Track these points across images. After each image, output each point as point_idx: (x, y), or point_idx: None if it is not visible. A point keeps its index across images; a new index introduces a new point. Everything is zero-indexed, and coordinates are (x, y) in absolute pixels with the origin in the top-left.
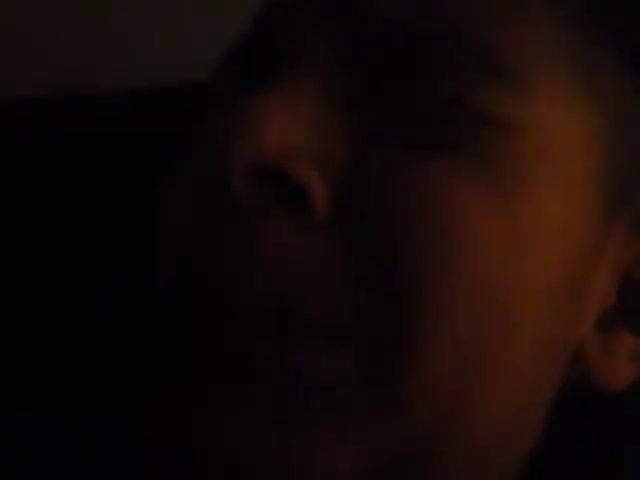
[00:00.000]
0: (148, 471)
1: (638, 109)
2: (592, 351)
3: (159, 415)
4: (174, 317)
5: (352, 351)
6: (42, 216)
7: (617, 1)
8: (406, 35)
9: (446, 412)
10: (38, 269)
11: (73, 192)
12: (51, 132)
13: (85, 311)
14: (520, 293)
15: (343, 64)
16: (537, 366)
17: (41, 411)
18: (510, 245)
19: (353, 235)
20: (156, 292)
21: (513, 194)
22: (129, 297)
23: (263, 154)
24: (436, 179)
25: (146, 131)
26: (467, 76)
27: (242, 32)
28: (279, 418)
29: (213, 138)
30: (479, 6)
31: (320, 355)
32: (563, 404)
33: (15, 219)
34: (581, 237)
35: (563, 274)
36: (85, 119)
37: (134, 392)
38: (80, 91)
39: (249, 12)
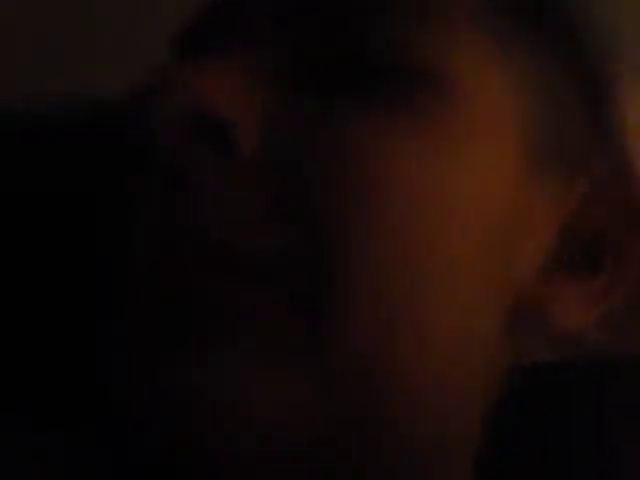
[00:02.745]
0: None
1: (553, 66)
2: (540, 294)
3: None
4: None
5: (275, 287)
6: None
7: None
8: None
9: (372, 348)
10: None
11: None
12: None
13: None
14: (445, 233)
15: (272, 26)
16: (473, 305)
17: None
18: (430, 190)
19: (282, 174)
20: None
21: (437, 145)
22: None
23: (190, 101)
24: (358, 131)
25: None
26: (393, 27)
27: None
28: (211, 354)
29: (149, 103)
30: None
31: (242, 290)
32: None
33: None
34: (507, 181)
35: (487, 221)
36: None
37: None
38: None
39: None
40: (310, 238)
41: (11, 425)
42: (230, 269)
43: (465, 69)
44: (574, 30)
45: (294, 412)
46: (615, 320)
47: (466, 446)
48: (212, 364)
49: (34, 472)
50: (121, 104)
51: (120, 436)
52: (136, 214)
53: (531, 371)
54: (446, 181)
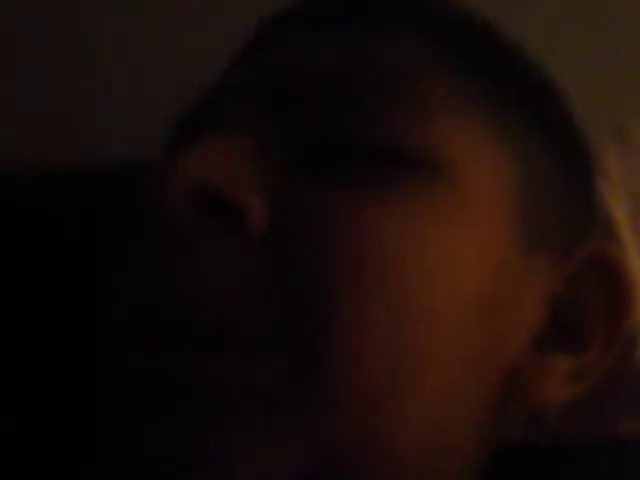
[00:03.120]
0: None
1: (542, 148)
2: (527, 372)
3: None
4: (119, 344)
5: (269, 357)
6: None
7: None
8: (319, 81)
9: (364, 416)
10: None
11: None
12: None
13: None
14: (438, 309)
15: (270, 119)
16: (460, 381)
17: None
18: (420, 268)
19: (280, 252)
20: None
21: (431, 228)
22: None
23: (196, 175)
24: (357, 215)
25: None
26: (389, 119)
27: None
28: (197, 431)
29: (152, 176)
30: (385, 59)
31: (241, 362)
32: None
33: None
34: (497, 265)
35: (479, 298)
36: None
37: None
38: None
39: (249, 13)
40: (304, 313)
41: None
42: (223, 340)
43: (458, 153)
44: (560, 104)
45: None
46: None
47: None
48: (197, 442)
49: None
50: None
51: None
52: (117, 278)
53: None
54: (440, 263)
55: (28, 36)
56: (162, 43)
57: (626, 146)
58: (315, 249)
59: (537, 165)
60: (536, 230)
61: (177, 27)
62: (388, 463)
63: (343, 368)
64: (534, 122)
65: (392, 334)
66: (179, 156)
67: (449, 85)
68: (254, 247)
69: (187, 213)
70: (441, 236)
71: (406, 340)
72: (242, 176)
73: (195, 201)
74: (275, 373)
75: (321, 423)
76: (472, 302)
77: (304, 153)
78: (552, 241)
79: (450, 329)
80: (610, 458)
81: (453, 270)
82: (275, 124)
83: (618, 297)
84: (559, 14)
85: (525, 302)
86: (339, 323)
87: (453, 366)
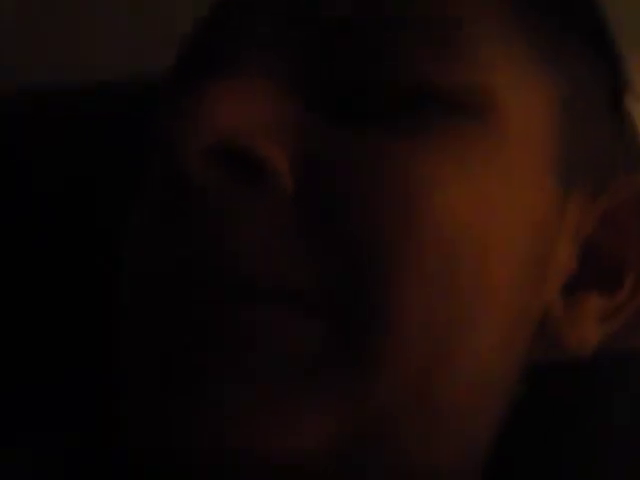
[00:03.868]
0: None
1: (586, 81)
2: (559, 316)
3: (130, 412)
4: (153, 304)
5: (319, 318)
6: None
7: None
8: (355, 17)
9: (416, 380)
10: None
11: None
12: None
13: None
14: (487, 261)
15: (295, 52)
16: (508, 332)
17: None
18: (476, 217)
19: (320, 206)
20: (129, 285)
21: (475, 169)
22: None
23: (218, 132)
24: (402, 156)
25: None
26: (421, 58)
27: (193, 28)
28: (249, 386)
29: (168, 127)
30: None
31: (288, 322)
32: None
33: None
34: (544, 208)
35: (528, 244)
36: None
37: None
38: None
39: None
40: (354, 269)
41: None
42: (274, 300)
43: (498, 84)
44: (603, 36)
45: (313, 448)
46: None
47: (480, 458)
48: (227, 399)
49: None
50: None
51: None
52: (136, 222)
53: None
54: (486, 203)
55: None
56: None
57: None
58: (360, 200)
59: (581, 96)
60: (576, 165)
61: None
62: (433, 426)
63: (400, 329)
64: (579, 49)
65: (446, 297)
66: (192, 102)
67: (498, 16)
68: (285, 201)
69: (209, 174)
70: (491, 183)
71: (459, 302)
72: (265, 128)
73: (217, 158)
74: (320, 333)
75: (367, 389)
76: (522, 251)
77: (336, 97)
78: (589, 175)
79: (501, 287)
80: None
81: (505, 220)
82: (299, 61)
83: None
84: None
85: (562, 241)
86: (396, 282)
87: (502, 324)
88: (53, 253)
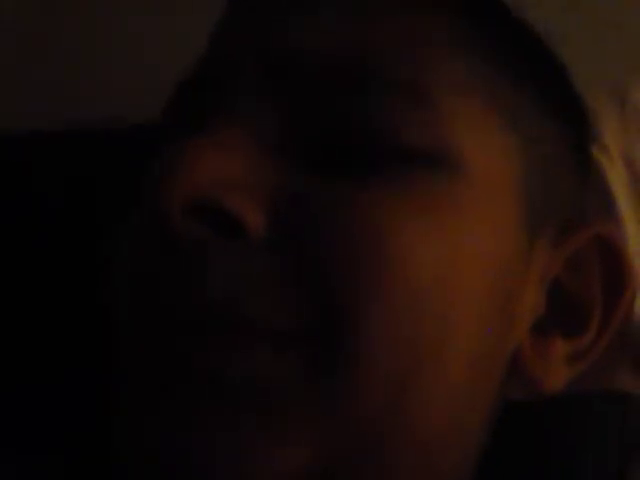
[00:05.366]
0: None
1: (548, 131)
2: (527, 357)
3: (116, 425)
4: (131, 340)
5: (289, 352)
6: None
7: (522, 37)
8: (326, 68)
9: (381, 412)
10: None
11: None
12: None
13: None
14: (450, 306)
15: (271, 106)
16: (472, 371)
17: None
18: (441, 265)
19: (291, 252)
20: (113, 321)
21: (443, 221)
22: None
23: (197, 190)
24: (368, 205)
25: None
26: (391, 113)
27: (180, 79)
28: (218, 419)
29: (153, 182)
30: (397, 39)
31: (259, 356)
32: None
33: None
34: (508, 253)
35: (491, 289)
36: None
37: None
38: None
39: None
40: (325, 311)
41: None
42: (239, 334)
43: (466, 143)
44: (564, 78)
45: (292, 474)
46: None
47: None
48: (212, 427)
49: None
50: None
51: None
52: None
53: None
54: (451, 251)
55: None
56: None
57: (623, 107)
58: (331, 247)
59: (542, 145)
60: (540, 213)
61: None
62: (401, 459)
63: (368, 363)
64: (540, 101)
65: (415, 330)
66: (176, 159)
67: (459, 69)
68: (260, 251)
69: (188, 226)
70: (455, 231)
71: (424, 343)
72: (241, 181)
73: (197, 211)
74: (294, 368)
75: (340, 416)
76: (486, 295)
77: (309, 150)
78: (553, 221)
79: (467, 323)
80: (607, 411)
81: (469, 266)
82: (277, 114)
83: (616, 279)
84: None
85: (528, 286)
86: (363, 320)
87: (468, 364)
88: (53, 255)
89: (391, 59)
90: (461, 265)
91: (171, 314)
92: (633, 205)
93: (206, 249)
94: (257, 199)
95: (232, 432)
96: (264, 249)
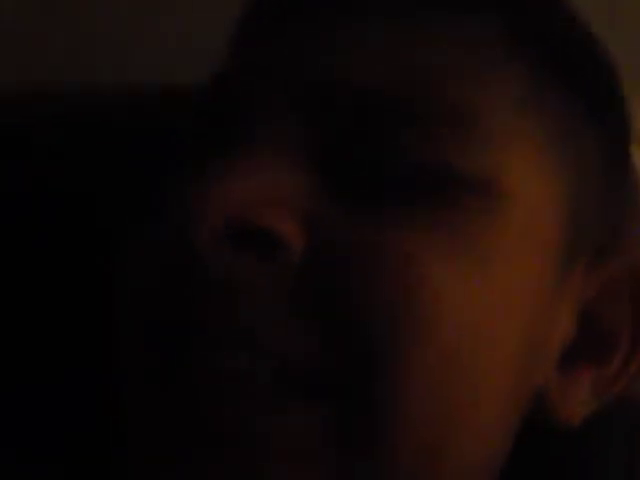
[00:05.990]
0: None
1: (593, 153)
2: (553, 389)
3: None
4: (142, 385)
5: (319, 404)
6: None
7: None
8: (374, 100)
9: (417, 470)
10: None
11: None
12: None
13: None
14: (487, 357)
15: (311, 128)
16: (505, 416)
17: None
18: (479, 312)
19: (321, 286)
20: (123, 352)
21: (485, 263)
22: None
23: (230, 214)
24: (408, 245)
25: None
26: (436, 140)
27: (210, 86)
28: (251, 469)
29: (182, 204)
30: (445, 70)
31: (288, 407)
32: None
33: None
34: (546, 291)
35: (530, 332)
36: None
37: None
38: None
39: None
40: (352, 359)
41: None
42: (276, 388)
43: (513, 183)
44: (614, 89)
45: None
46: None
47: None
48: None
49: None
50: None
51: None
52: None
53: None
54: (489, 291)
55: None
56: None
57: None
58: (360, 287)
59: (587, 168)
60: (578, 239)
61: None
62: None
63: (397, 414)
64: (588, 118)
65: (445, 380)
66: (208, 184)
67: (509, 92)
68: (292, 268)
69: (221, 253)
70: (490, 272)
71: (458, 393)
72: (276, 200)
73: (227, 236)
74: (321, 417)
75: (361, 465)
76: (524, 340)
77: (345, 175)
78: (590, 247)
79: (498, 375)
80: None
81: (503, 312)
82: (315, 132)
83: None
84: None
85: (559, 319)
86: (392, 378)
87: (498, 406)
88: (55, 255)
89: (429, 86)
90: (497, 308)
91: (187, 344)
92: None
93: (233, 275)
94: (294, 216)
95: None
96: (295, 267)
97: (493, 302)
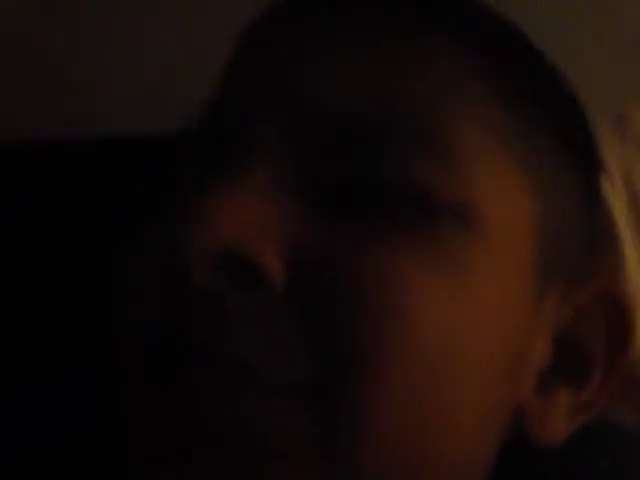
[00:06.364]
0: None
1: (564, 181)
2: (531, 411)
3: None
4: (142, 386)
5: (303, 408)
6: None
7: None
8: (358, 123)
9: (390, 468)
10: None
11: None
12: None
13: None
14: (460, 369)
15: (292, 154)
16: (478, 430)
17: None
18: (451, 325)
19: (307, 304)
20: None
21: (465, 277)
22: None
23: (218, 243)
24: (390, 259)
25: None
26: (409, 160)
27: (200, 117)
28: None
29: (174, 234)
30: (416, 91)
31: (276, 411)
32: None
33: None
34: (519, 311)
35: (502, 347)
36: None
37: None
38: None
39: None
40: (337, 368)
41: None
42: (263, 390)
43: (484, 190)
44: (583, 121)
45: None
46: None
47: None
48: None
49: None
50: None
51: None
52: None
53: None
54: (467, 310)
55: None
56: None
57: (625, 134)
58: (344, 300)
59: (558, 196)
60: (552, 264)
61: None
62: None
63: (375, 417)
64: (557, 150)
65: (423, 391)
66: (196, 209)
67: (479, 119)
68: (278, 301)
69: (209, 277)
70: (470, 288)
71: (436, 397)
72: (262, 231)
73: (217, 262)
74: (304, 420)
75: (348, 469)
76: (498, 354)
77: (333, 199)
78: (564, 272)
79: (471, 387)
80: (605, 446)
81: (483, 324)
82: (294, 162)
83: (619, 333)
84: None
85: (537, 337)
86: (371, 386)
87: (472, 418)
88: (56, 255)
89: (411, 110)
90: (474, 324)
91: (187, 367)
92: (632, 225)
93: (225, 298)
94: (277, 248)
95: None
96: (282, 299)
97: (474, 314)
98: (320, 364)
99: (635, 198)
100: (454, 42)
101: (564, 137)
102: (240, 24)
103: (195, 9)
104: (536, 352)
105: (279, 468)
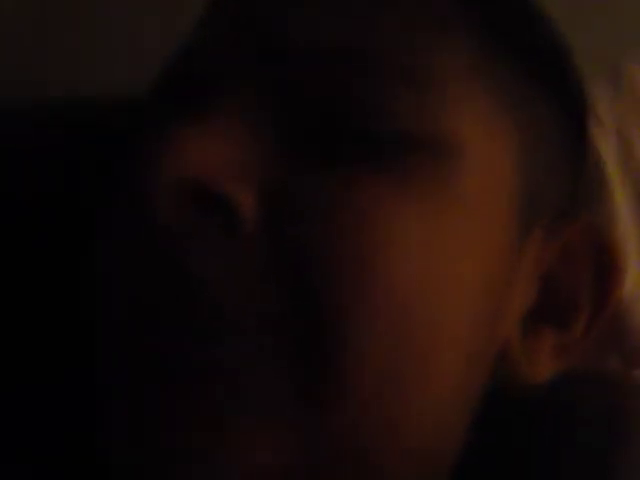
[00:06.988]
0: None
1: (546, 119)
2: (516, 349)
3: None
4: (120, 336)
5: (272, 352)
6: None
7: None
8: (325, 55)
9: (366, 420)
10: None
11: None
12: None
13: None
14: (442, 305)
15: (264, 90)
16: (462, 374)
17: None
18: (432, 258)
19: (281, 245)
20: (100, 314)
21: (444, 212)
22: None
23: (184, 172)
24: (361, 194)
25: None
26: (388, 92)
27: (170, 57)
28: (203, 418)
29: (137, 165)
30: (397, 24)
31: (243, 351)
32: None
33: None
34: (501, 245)
35: (484, 283)
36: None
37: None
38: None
39: None
40: (311, 315)
41: None
42: (222, 327)
43: (465, 123)
44: (567, 63)
45: (277, 460)
46: None
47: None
48: (183, 438)
49: None
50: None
51: None
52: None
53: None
54: (448, 245)
55: None
56: None
57: (618, 85)
58: (317, 242)
59: (540, 133)
60: (535, 203)
61: None
62: (391, 457)
63: (352, 365)
64: (540, 87)
65: (403, 333)
66: (163, 143)
67: (460, 54)
68: (249, 238)
69: (175, 211)
70: (449, 229)
71: (413, 349)
72: (232, 166)
73: (183, 196)
74: (278, 370)
75: (324, 422)
76: (479, 292)
77: (302, 135)
78: (547, 212)
79: (458, 326)
80: (591, 396)
81: (463, 260)
82: (271, 101)
83: (606, 273)
84: None
85: (520, 278)
86: (348, 322)
87: (457, 361)
88: (51, 254)
89: (391, 44)
90: (454, 259)
91: (155, 307)
92: (624, 182)
93: (191, 233)
94: (249, 180)
95: (213, 432)
96: (254, 235)
97: (454, 249)
98: (293, 305)
99: (629, 150)
100: None
101: (548, 83)
102: None
103: (195, 10)
104: (520, 289)
105: (247, 422)
